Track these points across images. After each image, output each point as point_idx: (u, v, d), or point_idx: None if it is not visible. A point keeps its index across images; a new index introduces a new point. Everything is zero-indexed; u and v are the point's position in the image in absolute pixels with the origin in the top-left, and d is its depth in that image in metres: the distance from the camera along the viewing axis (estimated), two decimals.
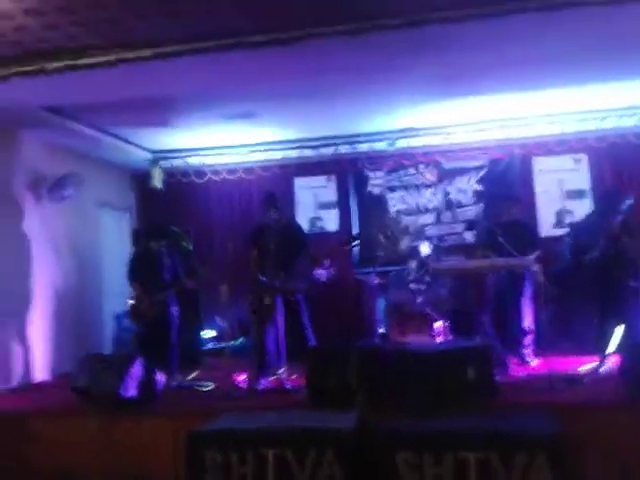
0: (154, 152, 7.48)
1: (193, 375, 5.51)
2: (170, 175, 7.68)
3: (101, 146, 6.75)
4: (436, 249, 6.38)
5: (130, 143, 7.03)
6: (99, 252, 7.21)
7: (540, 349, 5.26)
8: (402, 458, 3.29)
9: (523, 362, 5.36)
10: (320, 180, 7.81)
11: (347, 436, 3.46)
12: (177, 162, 7.59)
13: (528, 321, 5.46)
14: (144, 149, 7.32)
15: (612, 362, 4.80)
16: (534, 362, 5.33)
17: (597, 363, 4.94)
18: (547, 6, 3.82)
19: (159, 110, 5.87)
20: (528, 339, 5.44)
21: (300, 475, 3.41)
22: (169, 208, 7.68)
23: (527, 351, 5.44)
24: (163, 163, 7.56)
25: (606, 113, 6.53)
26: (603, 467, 3.56)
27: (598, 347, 4.98)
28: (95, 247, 7.17)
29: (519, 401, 4.25)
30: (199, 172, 7.75)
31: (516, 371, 5.07)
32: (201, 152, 7.47)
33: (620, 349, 4.75)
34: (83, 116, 5.97)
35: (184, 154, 7.50)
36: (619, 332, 5.00)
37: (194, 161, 7.61)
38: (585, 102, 6.24)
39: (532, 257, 5.26)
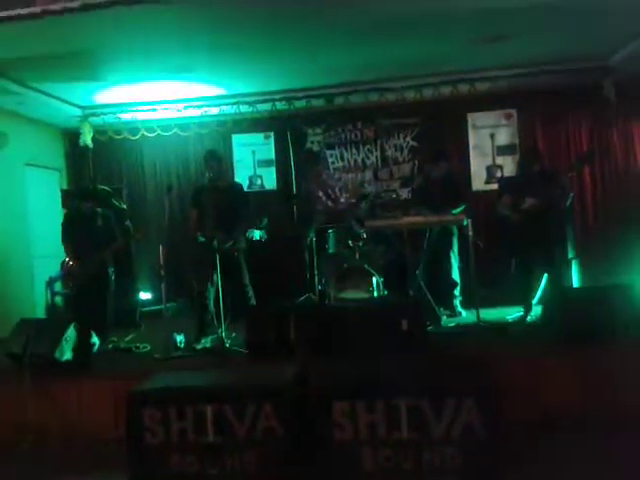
0: (84, 108, 7.16)
1: (130, 337, 5.46)
2: (101, 132, 7.41)
3: (27, 102, 6.42)
4: (373, 205, 6.48)
5: (58, 99, 6.70)
6: (28, 214, 6.94)
7: (469, 300, 5.50)
8: (338, 407, 3.40)
9: (453, 313, 5.61)
10: (258, 137, 7.72)
11: (285, 390, 3.54)
12: (108, 118, 7.30)
13: (456, 274, 5.70)
14: (73, 105, 7.00)
15: (536, 310, 5.09)
16: (463, 313, 5.58)
17: (523, 312, 5.22)
18: None
19: (88, 64, 5.60)
20: (456, 291, 5.69)
21: (239, 429, 3.47)
22: (101, 166, 7.45)
23: (456, 302, 5.69)
24: (94, 119, 7.27)
25: (536, 67, 6.65)
26: (527, 409, 3.79)
27: (523, 296, 5.25)
28: (24, 209, 6.90)
29: (450, 350, 4.46)
30: (132, 129, 7.50)
31: (447, 322, 5.29)
32: (133, 108, 7.20)
33: (544, 297, 5.03)
34: (7, 71, 5.64)
35: (116, 110, 7.22)
36: (544, 281, 5.28)
37: (126, 117, 7.34)
38: (516, 56, 6.33)
39: (461, 211, 5.44)
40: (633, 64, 6.46)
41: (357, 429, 3.35)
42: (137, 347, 5.11)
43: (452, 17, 4.99)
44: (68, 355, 4.50)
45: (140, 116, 7.33)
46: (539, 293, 5.33)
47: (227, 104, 7.13)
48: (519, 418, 3.59)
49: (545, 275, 5.32)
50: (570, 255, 6.04)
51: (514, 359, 4.09)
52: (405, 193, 7.30)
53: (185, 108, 7.15)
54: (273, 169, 7.73)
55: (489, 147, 7.39)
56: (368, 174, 7.59)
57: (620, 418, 3.69)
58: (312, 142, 7.67)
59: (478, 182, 7.30)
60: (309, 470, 3.36)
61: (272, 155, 7.71)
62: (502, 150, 7.36)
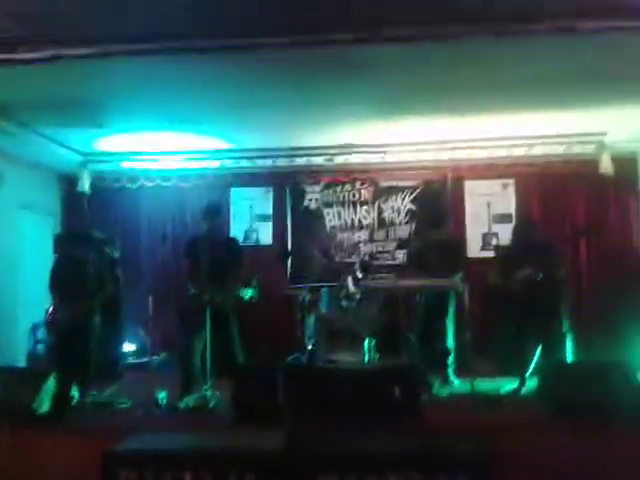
0: (84, 154, 7.18)
1: (110, 390, 5.26)
2: (100, 179, 7.42)
3: (26, 145, 6.42)
4: (368, 267, 6.43)
5: (58, 144, 6.72)
6: (18, 258, 6.84)
7: (463, 369, 5.36)
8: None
9: (446, 382, 5.46)
10: (257, 192, 7.74)
11: (269, 458, 3.39)
12: (108, 166, 7.32)
13: (451, 341, 5.59)
14: (73, 150, 7.02)
15: (530, 383, 4.97)
16: (457, 382, 5.44)
17: (517, 384, 5.09)
18: (498, 32, 3.91)
19: (92, 111, 5.63)
20: (451, 359, 5.56)
21: None
22: (97, 213, 7.40)
23: (450, 371, 5.55)
24: (93, 166, 7.28)
25: (535, 140, 6.79)
26: None
27: (518, 368, 5.14)
28: (14, 252, 6.79)
29: (442, 421, 4.30)
30: (131, 177, 7.51)
31: (440, 392, 5.15)
32: (134, 157, 7.23)
33: (539, 370, 4.91)
34: (8, 112, 5.65)
35: (116, 158, 7.24)
36: (538, 353, 5.18)
37: (126, 165, 7.37)
38: (516, 129, 6.47)
39: (458, 278, 5.39)
40: (629, 141, 6.62)
41: None
42: (117, 402, 4.88)
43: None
44: (46, 406, 4.31)
45: (140, 165, 7.35)
46: (534, 366, 5.21)
47: (228, 158, 7.18)
48: None
49: (540, 347, 5.23)
50: (565, 328, 5.96)
51: (510, 433, 3.94)
52: (401, 255, 7.27)
53: (186, 160, 7.20)
54: (270, 224, 7.71)
55: (485, 215, 7.42)
56: (364, 234, 7.57)
57: None
58: (310, 199, 7.69)
59: (474, 249, 7.28)
60: None
61: (269, 210, 7.70)
62: (498, 219, 7.38)
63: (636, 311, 6.63)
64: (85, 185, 7.22)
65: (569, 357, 5.47)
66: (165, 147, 6.98)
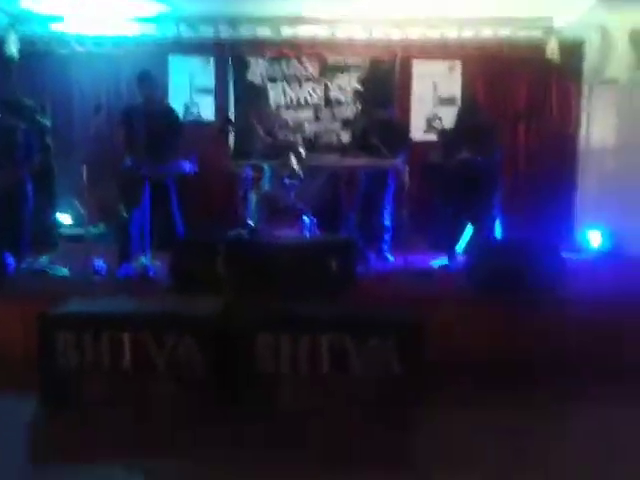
0: (10, 15, 6.59)
1: (45, 257, 5.20)
2: (29, 43, 6.86)
3: None
4: (312, 145, 6.38)
5: None
6: None
7: (398, 245, 5.57)
8: (261, 340, 3.39)
9: (382, 257, 5.69)
10: (197, 62, 7.34)
11: (207, 321, 3.49)
12: (37, 28, 6.77)
13: (388, 219, 5.76)
14: None
15: (460, 260, 5.24)
16: (392, 257, 5.68)
17: (447, 259, 5.37)
18: None
19: None
20: (387, 235, 5.76)
21: (158, 358, 3.41)
22: (26, 79, 6.90)
23: (386, 247, 5.78)
24: (21, 28, 6.71)
25: (484, 23, 6.65)
26: (442, 351, 3.90)
27: (449, 245, 5.40)
28: None
29: (376, 292, 4.52)
30: (62, 42, 6.98)
31: (375, 265, 5.36)
32: (65, 19, 6.69)
33: (468, 248, 5.17)
34: None
35: (45, 20, 6.68)
36: (469, 232, 5.43)
37: (57, 29, 6.82)
38: (466, 9, 6.30)
39: (401, 158, 5.45)
40: (577, 27, 6.58)
41: (279, 363, 3.36)
42: (53, 269, 4.86)
43: None
44: None
45: (72, 29, 6.82)
46: (464, 243, 5.47)
47: (167, 23, 6.74)
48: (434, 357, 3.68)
49: (471, 226, 5.45)
50: (496, 208, 6.19)
51: (436, 303, 4.19)
52: (345, 136, 7.21)
53: (122, 23, 6.70)
54: (211, 99, 7.40)
55: (430, 97, 7.36)
56: (309, 113, 7.42)
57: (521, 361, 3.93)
58: (254, 74, 7.39)
59: (418, 131, 7.28)
60: (228, 402, 3.36)
61: (211, 83, 7.37)
62: (443, 101, 7.34)
63: (564, 197, 6.96)
64: (12, 49, 6.71)
65: (498, 236, 5.72)
66: (98, 9, 6.46)
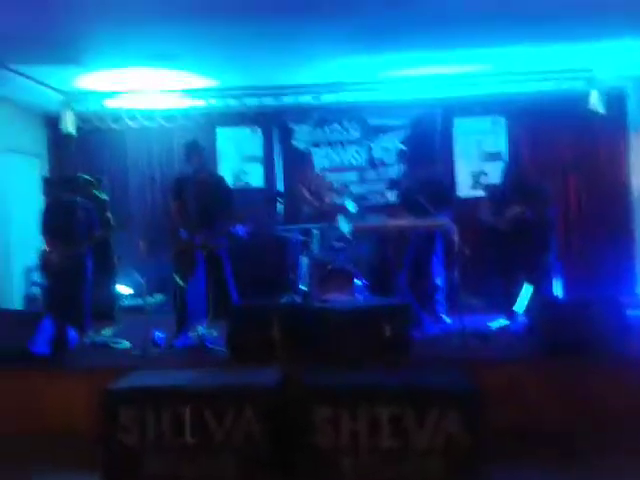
0: (66, 94, 6.99)
1: (107, 331, 5.33)
2: (84, 120, 7.24)
3: (6, 85, 6.22)
4: (359, 208, 6.44)
5: (39, 83, 6.52)
6: (6, 201, 6.74)
7: (453, 307, 5.47)
8: (320, 414, 3.35)
9: (437, 319, 5.58)
10: (244, 131, 7.61)
11: (266, 392, 3.48)
12: (92, 106, 7.14)
13: (440, 278, 5.68)
14: (55, 90, 6.82)
15: (520, 320, 5.09)
16: (447, 319, 5.56)
17: (506, 320, 5.22)
18: None
19: (70, 46, 5.42)
20: (440, 296, 5.66)
21: (218, 432, 3.41)
22: (83, 155, 7.27)
23: (441, 308, 5.67)
24: (76, 106, 7.09)
25: (526, 76, 6.69)
26: (510, 420, 3.77)
27: (506, 305, 5.26)
28: (2, 195, 6.70)
29: (433, 357, 4.42)
30: (115, 117, 7.34)
31: (430, 328, 5.27)
32: (118, 96, 7.05)
33: (528, 308, 5.03)
34: None
35: (98, 97, 7.04)
36: (527, 291, 5.29)
37: (110, 105, 7.19)
38: (507, 64, 6.37)
39: (447, 216, 5.43)
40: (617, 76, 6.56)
41: (339, 436, 3.31)
42: (115, 343, 4.98)
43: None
44: (43, 347, 4.37)
45: (124, 105, 7.17)
46: (524, 303, 5.32)
47: (214, 96, 7.03)
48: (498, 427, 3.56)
49: (528, 285, 5.33)
50: (553, 265, 6.06)
51: (497, 368, 4.07)
52: (392, 196, 7.26)
53: (171, 98, 7.03)
54: (260, 166, 7.62)
55: (475, 153, 7.38)
56: (354, 175, 7.53)
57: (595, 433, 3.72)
58: (298, 139, 7.58)
59: (464, 188, 7.28)
60: (288, 476, 3.31)
61: (258, 151, 7.59)
62: (488, 157, 7.35)
63: (622, 249, 6.76)
64: (69, 125, 7.04)
65: (557, 294, 5.58)
66: (148, 85, 6.80)
